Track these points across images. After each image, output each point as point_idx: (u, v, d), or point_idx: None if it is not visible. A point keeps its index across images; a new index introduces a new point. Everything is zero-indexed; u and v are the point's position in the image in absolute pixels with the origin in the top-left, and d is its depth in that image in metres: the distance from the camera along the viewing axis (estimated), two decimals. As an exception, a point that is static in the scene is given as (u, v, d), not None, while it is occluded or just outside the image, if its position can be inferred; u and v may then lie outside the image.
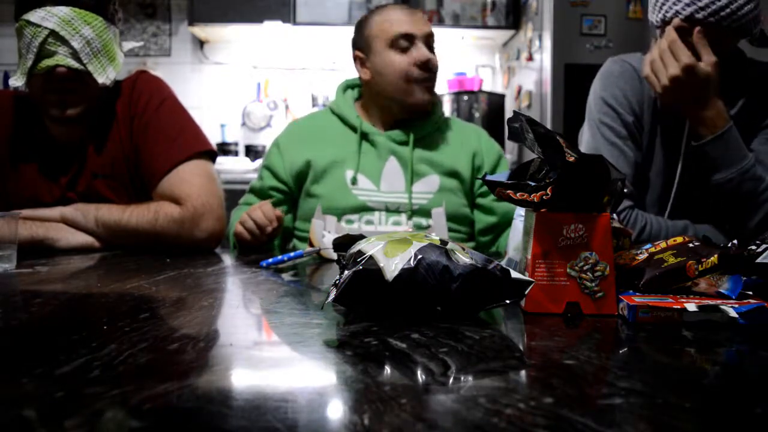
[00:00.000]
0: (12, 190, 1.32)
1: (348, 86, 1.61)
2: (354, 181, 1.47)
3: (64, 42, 1.19)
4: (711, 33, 1.24)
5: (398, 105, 1.50)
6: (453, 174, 1.51)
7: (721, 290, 0.70)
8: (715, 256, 0.67)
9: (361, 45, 1.53)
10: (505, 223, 1.50)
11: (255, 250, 1.31)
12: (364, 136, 1.51)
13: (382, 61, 1.48)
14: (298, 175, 1.51)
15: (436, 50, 1.53)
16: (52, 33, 1.18)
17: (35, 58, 1.19)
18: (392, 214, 1.47)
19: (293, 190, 1.53)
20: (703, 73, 1.20)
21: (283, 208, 1.52)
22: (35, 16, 1.18)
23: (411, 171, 1.48)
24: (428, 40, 1.49)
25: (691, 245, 0.75)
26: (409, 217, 1.47)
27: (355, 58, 1.55)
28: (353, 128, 1.53)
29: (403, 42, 1.46)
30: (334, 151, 1.50)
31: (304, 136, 1.56)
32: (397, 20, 1.47)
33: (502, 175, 0.75)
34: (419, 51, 1.46)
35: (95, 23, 1.23)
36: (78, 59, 1.21)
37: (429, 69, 1.47)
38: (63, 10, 1.19)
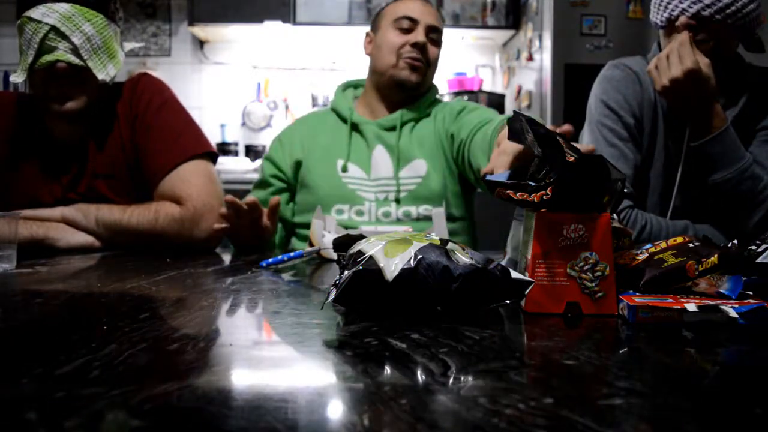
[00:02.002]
0: (13, 191, 1.32)
1: (349, 85, 1.67)
2: (344, 169, 1.51)
3: (65, 38, 1.20)
4: (717, 32, 1.24)
5: (387, 80, 1.55)
6: (438, 158, 1.53)
7: (721, 290, 0.70)
8: (715, 256, 0.67)
9: (373, 25, 1.63)
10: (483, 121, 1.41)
11: (255, 249, 1.31)
12: (354, 127, 1.57)
13: (382, 37, 1.56)
14: (296, 165, 1.56)
15: (441, 49, 1.60)
16: (53, 29, 1.19)
17: (36, 54, 1.20)
18: (381, 204, 1.49)
19: (291, 182, 1.58)
20: (703, 77, 1.20)
21: (284, 195, 1.57)
22: (36, 12, 1.19)
23: (397, 157, 1.52)
24: (430, 31, 1.55)
25: (691, 245, 0.75)
26: (398, 206, 1.49)
27: (366, 35, 1.64)
28: (345, 120, 1.58)
29: (405, 22, 1.54)
30: (326, 142, 1.56)
31: (302, 130, 1.61)
32: (407, 5, 1.56)
33: (502, 176, 0.75)
34: (416, 34, 1.53)
35: (96, 20, 1.23)
36: (78, 55, 1.22)
37: (420, 51, 1.54)
38: (64, 7, 1.20)
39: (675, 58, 1.22)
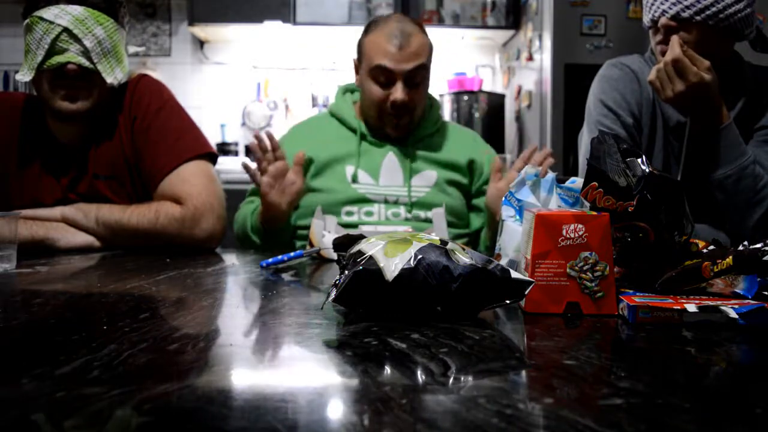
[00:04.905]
0: (14, 191, 1.32)
1: (347, 90, 1.64)
2: (354, 179, 1.50)
3: (77, 40, 1.20)
4: (699, 32, 1.24)
5: (375, 124, 1.53)
6: (450, 171, 1.54)
7: (736, 290, 0.70)
8: (730, 257, 0.67)
9: (358, 52, 1.55)
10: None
11: (273, 240, 1.33)
12: (363, 137, 1.55)
13: (363, 83, 1.51)
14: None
15: (429, 81, 1.52)
16: (66, 30, 1.19)
17: (45, 54, 1.20)
18: (391, 206, 1.49)
19: None
20: (707, 84, 1.20)
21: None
22: (49, 13, 1.19)
23: (409, 167, 1.51)
24: (411, 75, 1.45)
25: (705, 251, 0.76)
26: (409, 210, 1.49)
27: (354, 60, 1.58)
28: (353, 129, 1.56)
29: (381, 77, 1.45)
30: (335, 149, 1.53)
31: (304, 136, 1.59)
32: (384, 51, 1.44)
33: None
34: (395, 91, 1.44)
35: (107, 24, 1.24)
36: (89, 58, 1.22)
37: (402, 108, 1.47)
38: (77, 9, 1.20)
39: (674, 74, 1.21)
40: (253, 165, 1.36)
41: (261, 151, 1.33)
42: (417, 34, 1.46)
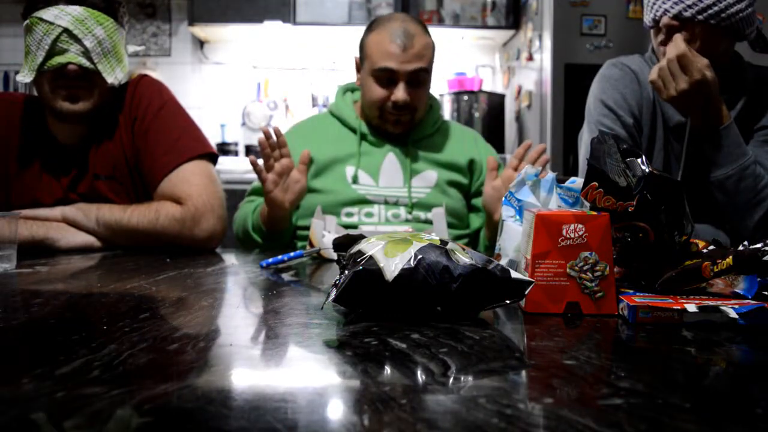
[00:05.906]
0: (14, 191, 1.32)
1: (347, 89, 1.64)
2: (355, 180, 1.50)
3: (77, 40, 1.20)
4: (701, 32, 1.24)
5: (376, 123, 1.53)
6: (450, 172, 1.54)
7: (736, 290, 0.70)
8: (730, 257, 0.67)
9: (360, 50, 1.55)
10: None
11: (274, 240, 1.33)
12: (364, 137, 1.55)
13: (365, 83, 1.51)
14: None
15: (430, 81, 1.52)
16: (66, 31, 1.20)
17: (46, 55, 1.20)
18: (391, 207, 1.49)
19: None
20: (710, 83, 1.20)
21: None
22: (48, 14, 1.19)
23: (409, 168, 1.51)
24: (414, 76, 1.46)
25: (705, 251, 0.76)
26: (409, 211, 1.49)
27: (355, 59, 1.58)
28: (353, 129, 1.56)
29: (384, 76, 1.45)
30: (335, 149, 1.53)
31: (304, 135, 1.59)
32: (387, 53, 1.44)
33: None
34: (397, 91, 1.45)
35: (107, 24, 1.24)
36: (89, 58, 1.22)
37: (403, 108, 1.47)
38: (77, 10, 1.21)
39: (678, 70, 1.21)
40: (260, 161, 1.36)
41: (270, 147, 1.33)
42: (420, 34, 1.47)
